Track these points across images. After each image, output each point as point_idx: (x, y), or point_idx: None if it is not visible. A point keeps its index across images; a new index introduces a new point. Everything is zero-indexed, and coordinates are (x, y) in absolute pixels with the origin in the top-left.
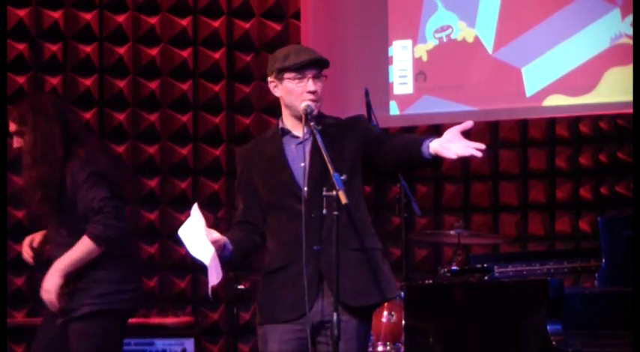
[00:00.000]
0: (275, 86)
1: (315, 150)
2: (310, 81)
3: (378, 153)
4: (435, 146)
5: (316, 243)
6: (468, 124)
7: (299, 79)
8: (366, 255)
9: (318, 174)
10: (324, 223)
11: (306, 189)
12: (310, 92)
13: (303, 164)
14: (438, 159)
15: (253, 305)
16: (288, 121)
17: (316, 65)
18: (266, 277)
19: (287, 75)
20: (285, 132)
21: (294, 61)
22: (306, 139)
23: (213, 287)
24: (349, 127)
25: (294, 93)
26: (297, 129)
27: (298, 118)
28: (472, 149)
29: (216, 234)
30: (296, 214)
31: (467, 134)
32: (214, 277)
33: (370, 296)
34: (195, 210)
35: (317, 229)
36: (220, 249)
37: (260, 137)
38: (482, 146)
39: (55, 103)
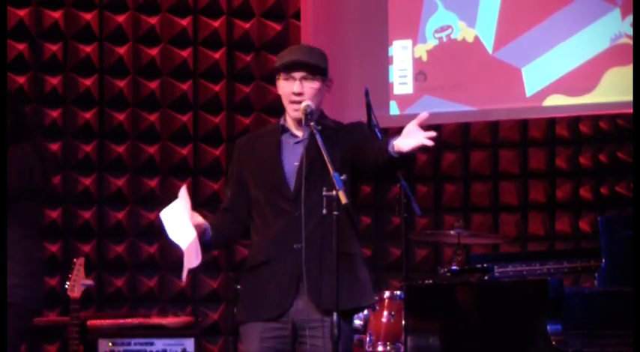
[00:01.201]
0: (277, 83)
1: (309, 150)
2: (297, 82)
3: (360, 154)
4: (397, 142)
5: (298, 242)
6: (423, 116)
7: (286, 79)
8: (348, 259)
9: (308, 174)
10: (307, 223)
11: (293, 186)
12: (294, 93)
13: (296, 163)
14: (404, 156)
15: None
16: (288, 119)
17: (304, 67)
18: (248, 273)
19: (280, 74)
20: (285, 129)
21: (282, 61)
22: (304, 139)
23: (190, 270)
24: (347, 130)
25: (283, 92)
26: (295, 129)
27: (293, 118)
28: (423, 139)
29: (199, 219)
30: (281, 212)
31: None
32: (193, 260)
33: (351, 300)
34: (183, 192)
35: (300, 228)
36: (202, 233)
37: (260, 131)
38: (433, 133)
39: None
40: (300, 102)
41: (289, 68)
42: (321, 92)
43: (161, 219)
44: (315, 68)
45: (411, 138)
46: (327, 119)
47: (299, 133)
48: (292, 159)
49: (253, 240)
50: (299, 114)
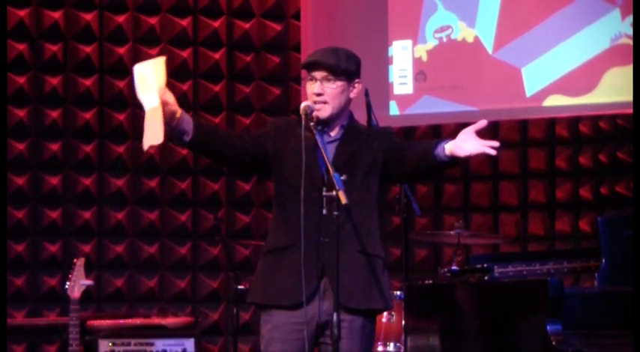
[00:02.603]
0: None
1: (341, 149)
2: (317, 83)
3: (396, 161)
4: (450, 146)
5: (325, 237)
6: (482, 123)
7: (309, 79)
8: (372, 260)
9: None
10: (338, 220)
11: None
12: (315, 94)
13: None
14: (454, 160)
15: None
16: None
17: (324, 68)
18: (270, 254)
19: (306, 73)
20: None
21: (305, 60)
22: (337, 139)
23: (148, 149)
24: (376, 135)
25: (307, 93)
26: (332, 128)
27: (316, 117)
28: (486, 147)
29: (170, 96)
30: (314, 204)
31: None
32: (154, 135)
33: (375, 300)
34: (161, 60)
35: (327, 224)
36: (170, 116)
37: (295, 120)
38: (496, 143)
39: None
40: (320, 103)
41: (310, 68)
42: (344, 94)
43: (134, 71)
44: (337, 69)
45: (469, 144)
46: (357, 123)
47: (332, 132)
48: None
49: (278, 222)
50: (321, 114)
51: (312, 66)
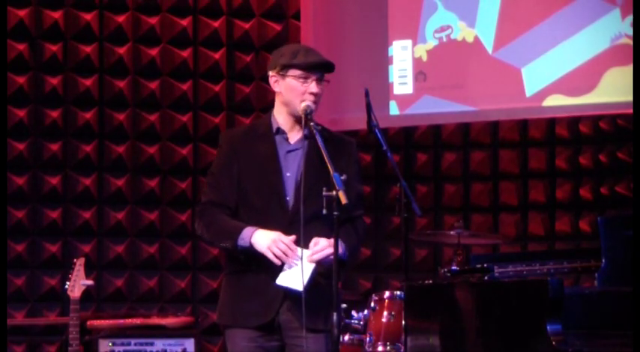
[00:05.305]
0: (276, 81)
1: (309, 159)
2: (314, 83)
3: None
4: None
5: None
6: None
7: (304, 78)
8: (328, 284)
9: (308, 185)
10: (302, 237)
11: (291, 203)
12: (312, 94)
13: (288, 174)
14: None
15: None
16: (281, 119)
17: (322, 68)
18: (232, 276)
19: (292, 72)
20: (280, 131)
21: (303, 61)
22: (298, 149)
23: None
24: (344, 153)
25: (296, 91)
26: (292, 130)
27: (294, 117)
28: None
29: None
30: (276, 225)
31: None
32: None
33: (321, 322)
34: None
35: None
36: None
37: (250, 128)
38: None
39: None
40: (315, 102)
41: (312, 69)
42: None
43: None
44: (331, 70)
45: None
46: (322, 126)
47: (294, 134)
48: (285, 169)
49: None
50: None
51: (316, 66)
